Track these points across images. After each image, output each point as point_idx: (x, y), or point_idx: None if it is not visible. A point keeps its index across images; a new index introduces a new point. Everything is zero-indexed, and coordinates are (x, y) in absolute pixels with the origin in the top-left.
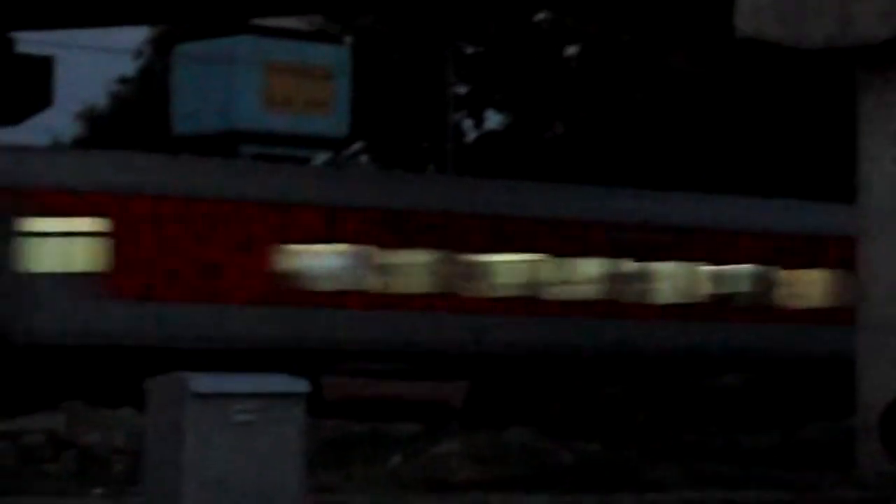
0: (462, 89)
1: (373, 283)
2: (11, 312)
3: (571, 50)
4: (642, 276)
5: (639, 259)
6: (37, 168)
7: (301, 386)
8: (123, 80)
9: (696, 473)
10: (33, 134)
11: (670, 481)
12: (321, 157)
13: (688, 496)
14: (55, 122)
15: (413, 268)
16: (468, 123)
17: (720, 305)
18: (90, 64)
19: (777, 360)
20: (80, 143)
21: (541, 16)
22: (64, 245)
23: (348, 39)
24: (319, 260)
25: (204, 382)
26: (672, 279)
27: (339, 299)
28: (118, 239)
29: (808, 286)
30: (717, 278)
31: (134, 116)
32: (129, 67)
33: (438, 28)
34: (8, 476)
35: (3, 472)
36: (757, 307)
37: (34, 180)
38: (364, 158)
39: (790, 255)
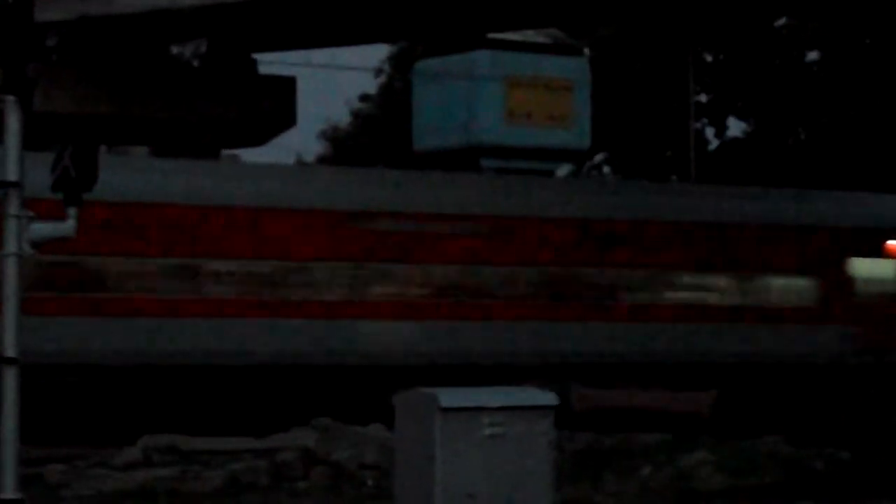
0: (703, 97)
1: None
2: None
3: (812, 55)
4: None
5: None
6: None
7: (549, 398)
8: (365, 98)
9: None
10: (276, 153)
11: None
12: (563, 170)
13: None
14: (298, 141)
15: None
16: (710, 131)
17: None
18: (331, 83)
19: None
20: (323, 162)
21: (781, 21)
22: None
23: (587, 51)
24: None
25: (452, 397)
26: None
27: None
28: None
29: None
30: None
31: (376, 133)
32: (370, 85)
33: (678, 37)
34: (262, 493)
35: (257, 489)
36: None
37: None
38: (606, 170)
39: None
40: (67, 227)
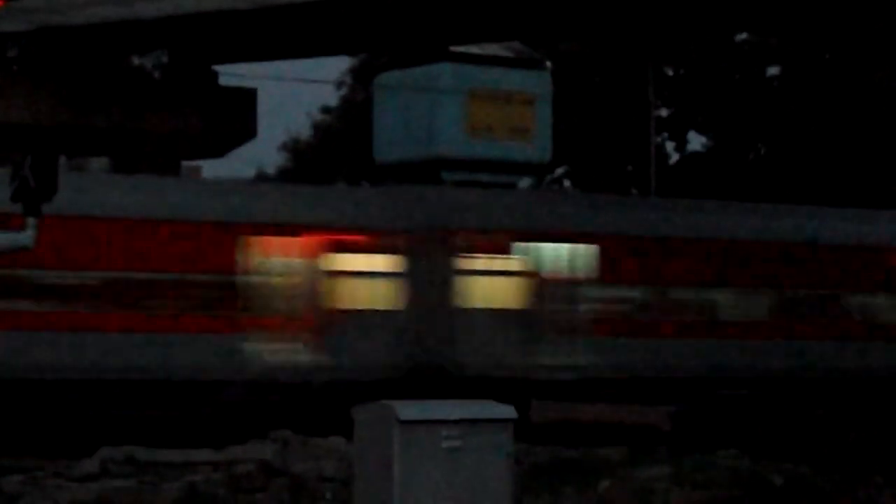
0: (664, 112)
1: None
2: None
3: (773, 70)
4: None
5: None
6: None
7: (508, 411)
8: (326, 110)
9: None
10: (237, 166)
11: (884, 502)
12: (524, 183)
13: None
14: (259, 154)
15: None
16: (670, 146)
17: None
18: (293, 95)
19: None
20: (284, 174)
21: (742, 36)
22: None
23: (549, 64)
24: None
25: (410, 409)
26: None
27: None
28: None
29: None
30: None
31: (337, 146)
32: (331, 98)
33: (640, 51)
34: None
35: (216, 501)
36: None
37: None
38: (566, 183)
39: None
40: (26, 237)
